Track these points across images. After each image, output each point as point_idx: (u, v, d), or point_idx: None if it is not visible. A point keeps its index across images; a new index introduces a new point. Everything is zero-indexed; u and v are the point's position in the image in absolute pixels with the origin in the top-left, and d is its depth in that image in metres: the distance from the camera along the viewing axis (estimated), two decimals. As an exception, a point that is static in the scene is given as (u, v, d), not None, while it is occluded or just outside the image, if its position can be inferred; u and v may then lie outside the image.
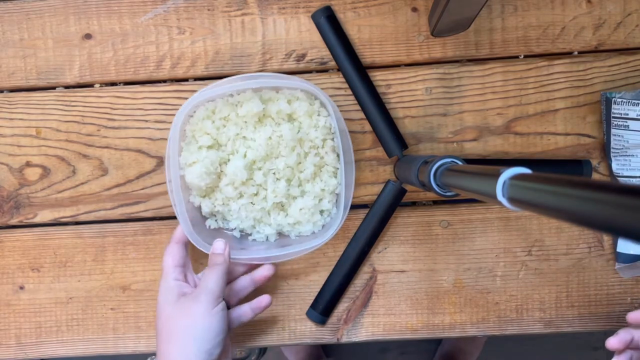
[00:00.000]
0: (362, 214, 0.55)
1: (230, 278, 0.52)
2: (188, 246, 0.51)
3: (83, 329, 0.56)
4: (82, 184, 0.55)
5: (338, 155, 0.51)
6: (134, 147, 0.55)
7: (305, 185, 0.52)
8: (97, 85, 0.56)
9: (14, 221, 0.56)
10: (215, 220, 0.53)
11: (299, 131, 0.51)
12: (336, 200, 0.53)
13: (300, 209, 0.52)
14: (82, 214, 0.56)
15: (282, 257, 0.51)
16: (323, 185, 0.52)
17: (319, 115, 0.51)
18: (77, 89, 0.55)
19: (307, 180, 0.52)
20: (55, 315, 0.56)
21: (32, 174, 0.55)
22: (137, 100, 0.55)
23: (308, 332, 0.55)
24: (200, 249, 0.49)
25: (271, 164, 0.51)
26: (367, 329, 0.55)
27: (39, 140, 0.55)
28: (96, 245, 0.56)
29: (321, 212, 0.53)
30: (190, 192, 0.52)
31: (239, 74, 0.54)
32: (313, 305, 0.55)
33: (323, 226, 0.53)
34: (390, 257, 0.55)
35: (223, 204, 0.52)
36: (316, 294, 0.55)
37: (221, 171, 0.51)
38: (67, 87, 0.56)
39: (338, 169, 0.52)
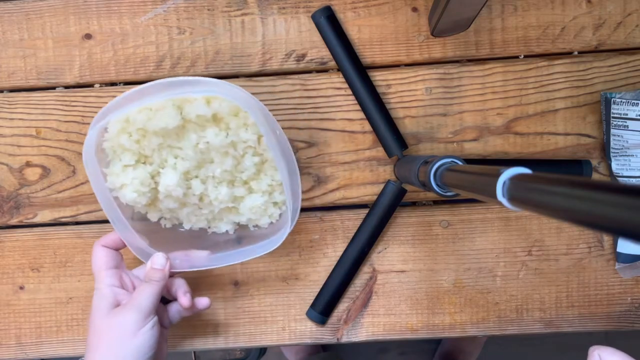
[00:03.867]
0: (362, 214, 0.55)
1: (171, 273, 0.49)
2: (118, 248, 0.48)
3: (83, 329, 0.56)
4: (82, 184, 0.55)
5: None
6: (134, 147, 0.55)
7: (251, 183, 0.48)
8: (97, 85, 0.56)
9: (14, 221, 0.56)
10: (169, 219, 0.51)
11: (227, 135, 0.45)
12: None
13: (251, 208, 0.49)
14: (82, 214, 0.56)
15: (244, 256, 0.48)
16: (269, 181, 0.48)
17: (246, 111, 0.45)
18: (77, 89, 0.55)
19: (251, 178, 0.48)
20: (55, 315, 0.56)
21: (32, 174, 0.55)
22: (137, 100, 0.55)
23: (308, 332, 0.55)
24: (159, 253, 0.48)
25: (207, 170, 0.46)
26: (367, 329, 0.55)
27: (39, 140, 0.55)
28: (96, 245, 0.56)
29: (274, 204, 0.50)
30: (133, 207, 0.49)
31: (239, 74, 0.55)
32: (313, 305, 0.55)
33: (280, 215, 0.51)
34: (390, 257, 0.55)
35: (170, 211, 0.49)
36: (316, 294, 0.55)
37: (157, 182, 0.46)
38: (67, 87, 0.56)
39: None
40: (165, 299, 0.50)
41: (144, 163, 0.47)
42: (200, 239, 0.52)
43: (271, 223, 0.52)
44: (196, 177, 0.47)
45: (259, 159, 0.47)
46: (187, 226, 0.52)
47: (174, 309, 0.49)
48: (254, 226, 0.52)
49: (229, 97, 0.42)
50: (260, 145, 0.47)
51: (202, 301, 0.49)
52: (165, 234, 0.50)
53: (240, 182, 0.48)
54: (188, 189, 0.47)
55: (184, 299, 0.48)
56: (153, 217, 0.50)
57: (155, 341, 0.44)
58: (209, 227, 0.52)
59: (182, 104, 0.45)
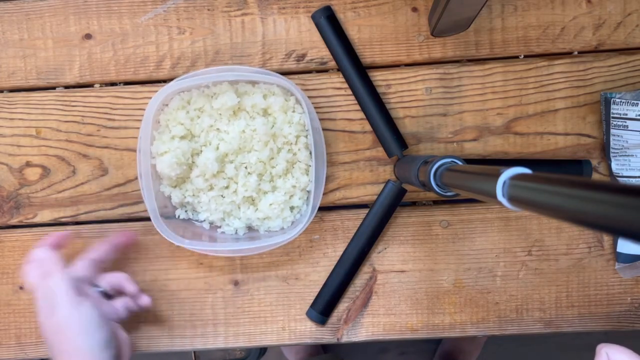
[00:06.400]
0: (362, 214, 0.55)
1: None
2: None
3: (83, 329, 0.56)
4: (82, 184, 0.55)
5: (311, 153, 0.51)
6: (134, 147, 0.55)
7: (277, 181, 0.52)
8: (97, 85, 0.56)
9: (14, 221, 0.56)
10: (185, 211, 0.54)
11: (273, 126, 0.51)
12: (307, 198, 0.53)
13: (270, 204, 0.52)
14: (82, 214, 0.56)
15: (250, 251, 0.50)
16: (294, 182, 0.52)
17: (293, 111, 0.52)
18: (77, 89, 0.55)
19: (279, 175, 0.52)
20: (55, 315, 0.56)
21: (32, 174, 0.55)
22: (137, 100, 0.55)
23: (308, 332, 0.55)
24: (170, 240, 0.49)
25: (243, 157, 0.51)
26: (367, 329, 0.55)
27: (39, 140, 0.55)
28: (96, 245, 0.56)
29: (291, 208, 0.53)
30: (161, 182, 0.52)
31: (239, 74, 0.55)
32: (313, 305, 0.55)
33: (292, 222, 0.53)
34: (390, 257, 0.55)
35: (193, 195, 0.52)
36: (316, 294, 0.55)
37: (193, 162, 0.51)
38: (67, 87, 0.56)
39: (310, 166, 0.52)
40: (109, 297, 0.50)
41: (189, 140, 0.51)
42: (210, 234, 0.53)
43: (282, 228, 0.53)
44: (231, 162, 0.51)
45: (291, 157, 0.51)
46: (202, 216, 0.53)
47: (120, 304, 0.49)
48: (265, 230, 0.53)
49: (286, 85, 0.49)
50: (296, 145, 0.51)
51: (145, 298, 0.50)
52: (177, 225, 0.52)
53: (268, 177, 0.52)
54: (221, 171, 0.51)
55: (129, 287, 0.49)
56: (176, 197, 0.52)
57: (99, 312, 0.45)
58: (222, 223, 0.53)
59: (242, 96, 0.51)
